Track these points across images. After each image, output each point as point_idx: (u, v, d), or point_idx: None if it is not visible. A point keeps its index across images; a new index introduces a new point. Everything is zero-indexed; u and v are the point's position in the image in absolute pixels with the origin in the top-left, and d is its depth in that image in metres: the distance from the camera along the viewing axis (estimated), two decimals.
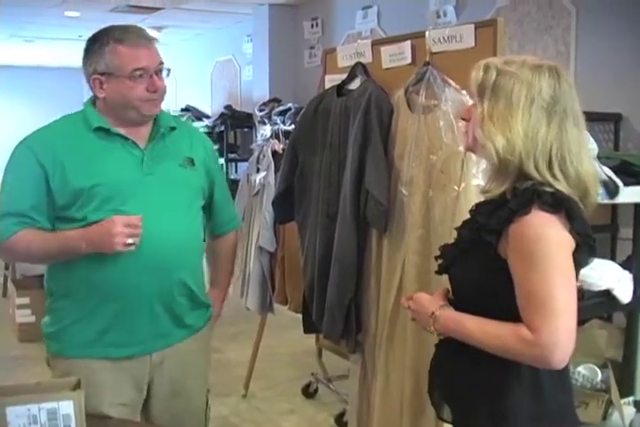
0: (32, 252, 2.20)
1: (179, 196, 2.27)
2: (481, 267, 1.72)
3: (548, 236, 1.59)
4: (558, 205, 1.60)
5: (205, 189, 2.40)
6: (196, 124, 8.21)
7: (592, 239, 1.66)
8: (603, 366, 3.09)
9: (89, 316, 2.22)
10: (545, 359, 1.57)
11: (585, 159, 1.68)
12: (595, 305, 2.92)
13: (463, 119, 1.80)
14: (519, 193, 1.64)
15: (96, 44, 2.17)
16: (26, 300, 5.72)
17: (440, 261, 1.89)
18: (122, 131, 2.22)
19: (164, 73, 2.22)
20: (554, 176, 1.64)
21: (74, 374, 2.12)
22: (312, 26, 7.25)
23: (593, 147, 2.92)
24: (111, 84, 2.17)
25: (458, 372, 1.82)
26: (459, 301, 1.81)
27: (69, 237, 2.13)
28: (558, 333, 1.55)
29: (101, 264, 2.16)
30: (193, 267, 2.35)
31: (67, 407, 1.94)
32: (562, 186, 1.64)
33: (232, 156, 8.03)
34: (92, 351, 2.23)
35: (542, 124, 1.64)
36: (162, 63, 2.20)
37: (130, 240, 2.06)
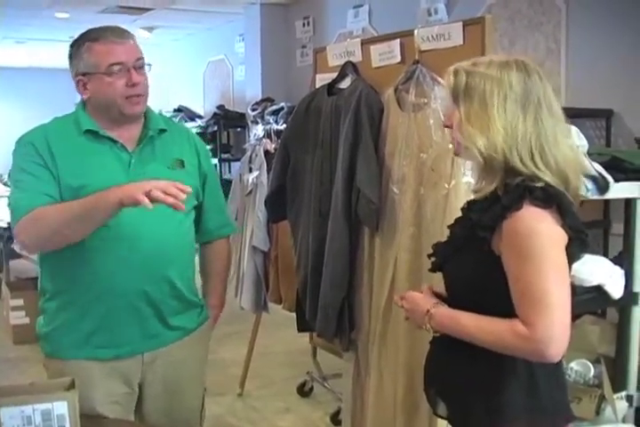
0: (59, 214, 2.06)
1: None
2: (474, 263, 1.74)
3: (540, 231, 1.61)
4: (549, 199, 1.62)
5: (198, 190, 2.39)
6: (189, 124, 8.21)
7: (584, 233, 1.68)
8: (595, 362, 3.09)
9: (77, 318, 2.23)
10: (540, 353, 1.59)
11: (562, 147, 1.70)
12: (586, 301, 2.92)
13: (447, 126, 1.82)
14: (510, 189, 1.66)
15: (74, 47, 2.21)
16: (20, 302, 5.72)
17: (433, 259, 1.91)
18: (111, 133, 2.22)
19: (146, 68, 2.23)
20: (538, 168, 1.66)
21: (67, 375, 2.12)
22: (304, 25, 7.26)
23: (583, 143, 2.93)
24: (92, 83, 2.19)
25: (453, 368, 1.84)
26: (453, 298, 1.82)
27: (103, 191, 2.02)
28: (553, 327, 1.57)
29: (90, 264, 2.17)
30: (181, 268, 2.34)
31: (61, 408, 1.94)
32: (547, 176, 1.66)
33: (225, 156, 8.03)
34: (82, 353, 2.23)
35: (519, 117, 1.66)
36: (140, 58, 2.21)
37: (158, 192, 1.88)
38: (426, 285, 1.93)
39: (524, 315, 1.60)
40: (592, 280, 2.89)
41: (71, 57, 2.22)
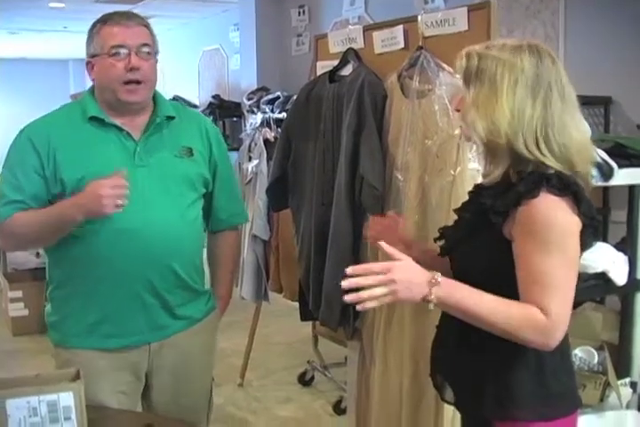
0: (30, 227, 2.17)
1: (172, 187, 2.25)
2: (484, 249, 1.73)
3: (557, 220, 1.60)
4: (565, 188, 1.61)
5: (208, 178, 2.38)
6: None
7: (597, 221, 1.67)
8: (599, 349, 3.09)
9: (83, 307, 2.23)
10: (547, 341, 1.60)
11: (570, 132, 1.67)
12: (590, 287, 2.92)
13: (457, 110, 1.80)
14: (525, 176, 1.65)
15: (89, 30, 2.22)
16: (18, 293, 5.71)
17: (440, 242, 1.89)
18: (117, 121, 2.21)
19: (152, 55, 2.22)
20: (542, 154, 1.64)
21: (74, 364, 2.14)
22: (299, 13, 7.21)
23: (587, 129, 2.91)
24: (97, 65, 2.19)
25: (460, 354, 1.82)
26: (460, 281, 1.79)
27: (61, 205, 2.12)
28: (564, 316, 1.58)
29: (92, 253, 2.17)
30: (186, 257, 2.32)
31: (67, 399, 1.93)
32: (551, 162, 1.65)
33: None
34: (88, 342, 2.23)
35: (527, 102, 1.65)
36: (146, 44, 2.19)
37: (119, 201, 2.02)
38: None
39: (538, 301, 1.57)
40: (596, 267, 2.89)
41: (86, 41, 2.23)
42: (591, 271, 2.88)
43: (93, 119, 2.20)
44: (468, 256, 1.78)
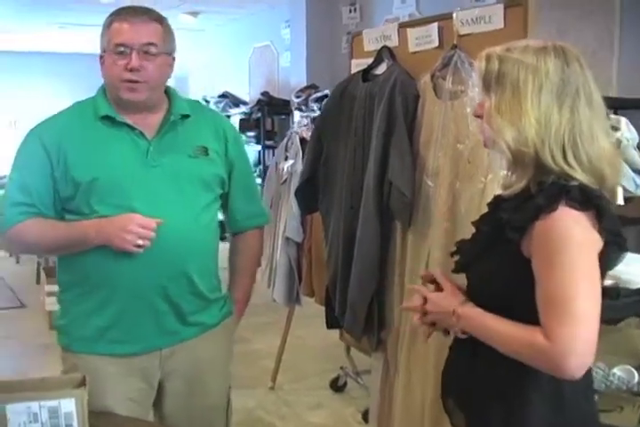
0: (41, 240, 2.14)
1: (186, 188, 2.17)
2: (500, 267, 1.61)
3: (573, 235, 1.47)
4: (587, 202, 1.48)
5: (224, 178, 2.29)
6: (233, 110, 8.20)
7: (622, 238, 1.53)
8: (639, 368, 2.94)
9: (91, 312, 2.16)
10: (558, 368, 1.45)
11: (599, 142, 1.54)
12: (632, 304, 2.77)
13: (477, 116, 1.68)
14: (545, 188, 1.52)
15: (103, 24, 2.14)
16: (55, 287, 5.66)
17: (457, 257, 1.78)
18: (129, 120, 2.13)
19: (163, 56, 2.12)
20: (569, 164, 1.51)
21: (81, 369, 2.09)
22: (350, 11, 7.15)
23: (634, 136, 2.79)
24: (104, 62, 2.12)
25: (473, 376, 1.71)
26: (476, 300, 1.67)
27: (80, 224, 2.08)
28: (574, 341, 1.42)
29: (106, 257, 2.09)
30: (201, 263, 2.23)
31: (69, 405, 1.87)
32: (578, 174, 1.51)
33: (269, 143, 8.00)
34: (97, 348, 2.17)
35: (553, 109, 1.52)
36: (152, 44, 2.08)
37: (140, 242, 2.01)
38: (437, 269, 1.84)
39: (546, 325, 1.46)
40: (638, 282, 2.75)
41: (100, 33, 2.16)
42: (633, 286, 2.74)
43: (105, 118, 2.13)
44: (483, 275, 1.67)
